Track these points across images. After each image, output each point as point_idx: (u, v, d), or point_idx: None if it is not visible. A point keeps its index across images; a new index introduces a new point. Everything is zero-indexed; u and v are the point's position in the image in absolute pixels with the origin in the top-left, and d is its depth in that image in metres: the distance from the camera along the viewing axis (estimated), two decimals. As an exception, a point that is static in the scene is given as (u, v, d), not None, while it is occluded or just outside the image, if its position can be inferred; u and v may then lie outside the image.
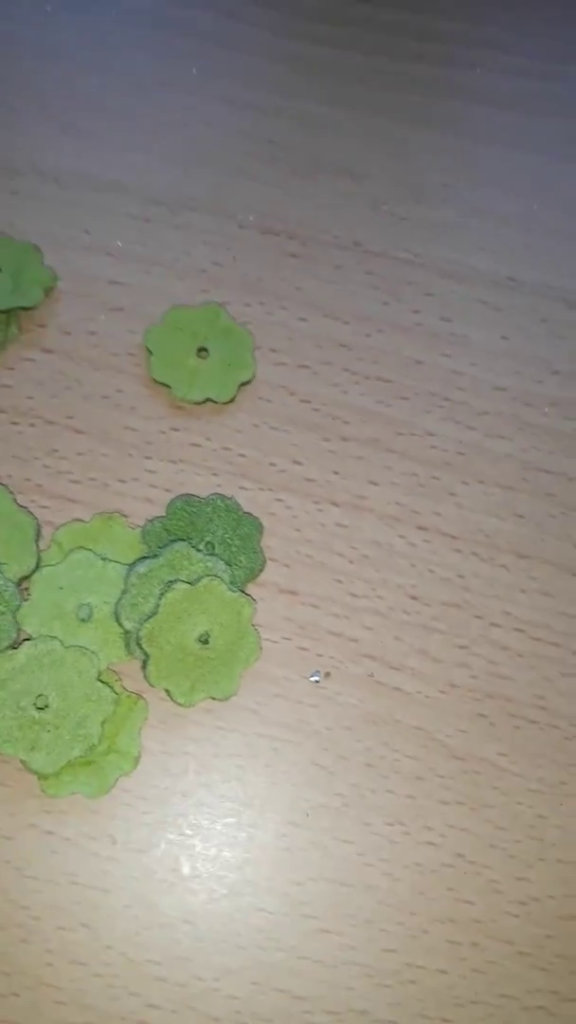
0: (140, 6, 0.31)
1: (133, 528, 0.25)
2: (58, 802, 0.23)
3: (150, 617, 0.23)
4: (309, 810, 0.24)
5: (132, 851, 0.23)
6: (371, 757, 0.24)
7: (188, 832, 0.23)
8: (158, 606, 0.23)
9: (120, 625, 0.23)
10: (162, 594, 0.23)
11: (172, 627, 0.23)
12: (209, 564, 0.24)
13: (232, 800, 0.24)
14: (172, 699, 0.23)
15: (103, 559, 0.24)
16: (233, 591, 0.23)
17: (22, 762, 0.23)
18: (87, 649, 0.23)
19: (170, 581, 0.23)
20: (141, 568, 0.23)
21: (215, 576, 0.23)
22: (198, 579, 0.23)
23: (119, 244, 0.28)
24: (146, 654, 0.23)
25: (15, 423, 0.26)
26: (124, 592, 0.23)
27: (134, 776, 0.23)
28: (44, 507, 0.25)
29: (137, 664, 0.24)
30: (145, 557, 0.24)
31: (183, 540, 0.24)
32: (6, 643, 0.23)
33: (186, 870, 0.23)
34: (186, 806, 0.23)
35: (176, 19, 0.31)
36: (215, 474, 0.26)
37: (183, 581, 0.23)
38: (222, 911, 0.23)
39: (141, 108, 0.30)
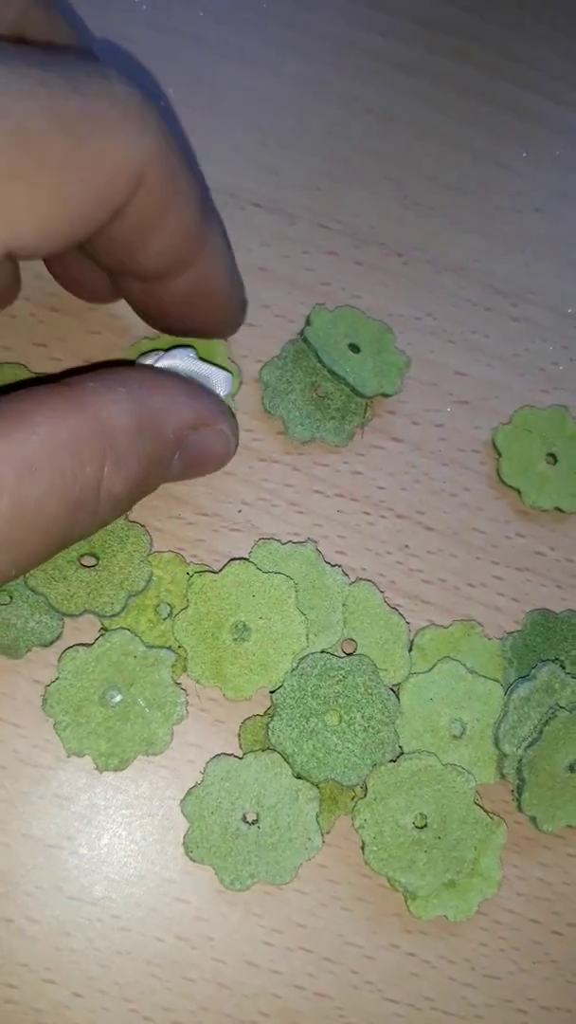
0: (473, 82, 0.30)
1: (488, 638, 0.24)
2: (419, 923, 0.22)
3: (532, 743, 0.22)
4: None
5: (489, 977, 0.23)
6: None
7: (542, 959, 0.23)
8: (541, 732, 0.22)
9: (499, 748, 0.23)
10: (546, 720, 0.23)
11: (549, 754, 0.23)
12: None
13: None
14: (536, 826, 0.23)
15: (471, 672, 0.23)
16: (603, 719, 0.23)
17: (389, 880, 0.22)
18: (463, 769, 0.22)
19: (551, 707, 0.23)
20: (522, 691, 0.23)
21: (585, 702, 0.23)
22: (573, 706, 0.23)
23: (462, 332, 0.27)
24: (523, 780, 0.22)
25: (367, 513, 0.25)
26: (504, 715, 0.23)
27: (494, 900, 0.23)
28: (397, 605, 0.24)
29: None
30: (522, 678, 0.23)
31: (552, 661, 0.24)
32: (389, 756, 0.22)
33: (545, 1002, 0.23)
34: (543, 933, 0.23)
35: (509, 99, 0.30)
36: (559, 586, 0.25)
37: (562, 708, 0.23)
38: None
39: (475, 187, 0.29)
